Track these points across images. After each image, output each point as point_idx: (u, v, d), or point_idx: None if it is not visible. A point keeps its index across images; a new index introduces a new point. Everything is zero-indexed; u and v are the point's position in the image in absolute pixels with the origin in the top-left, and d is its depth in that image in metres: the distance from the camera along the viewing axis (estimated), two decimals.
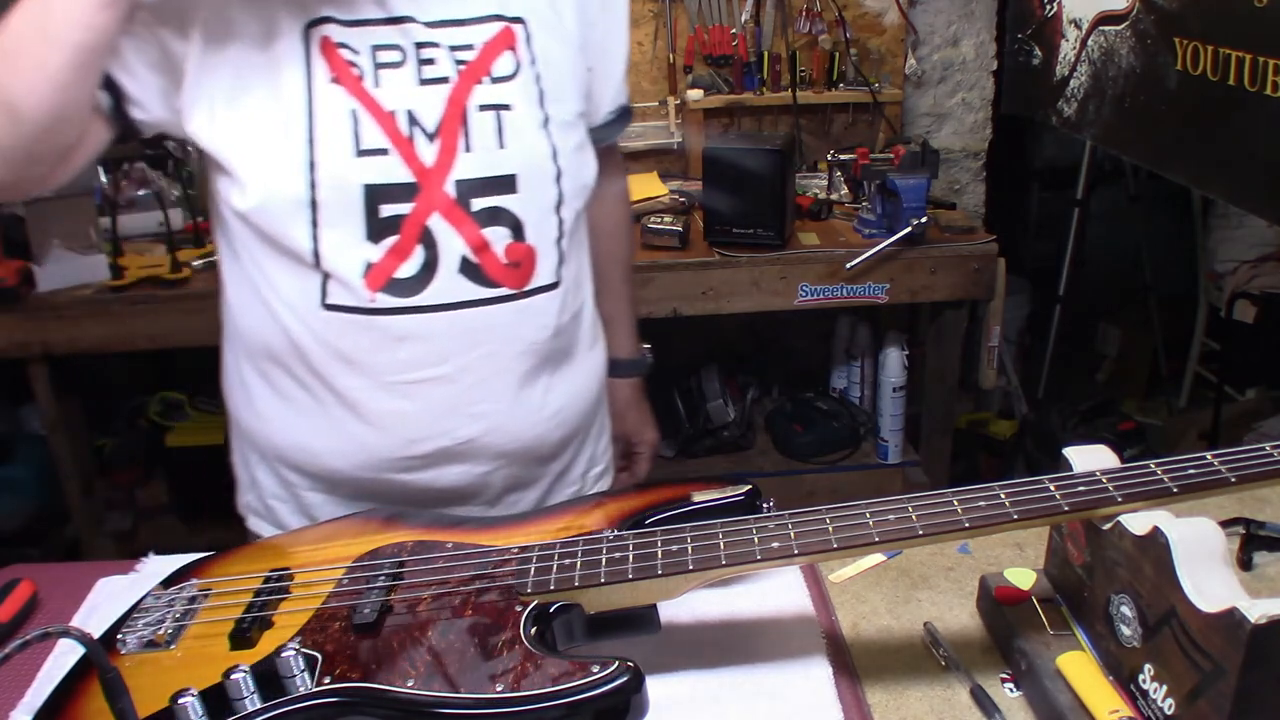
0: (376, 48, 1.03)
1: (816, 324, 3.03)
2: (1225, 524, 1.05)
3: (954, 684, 0.89)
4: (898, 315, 2.92)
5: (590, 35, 1.16)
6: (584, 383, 1.25)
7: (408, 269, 1.04)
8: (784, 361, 3.15)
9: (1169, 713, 0.77)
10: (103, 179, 2.50)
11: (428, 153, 1.04)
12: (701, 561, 0.82)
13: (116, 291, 2.25)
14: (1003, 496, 0.81)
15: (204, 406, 2.62)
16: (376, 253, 1.04)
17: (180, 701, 0.75)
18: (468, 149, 1.05)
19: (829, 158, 2.76)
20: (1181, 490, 0.79)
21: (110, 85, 1.01)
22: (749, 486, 0.93)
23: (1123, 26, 2.32)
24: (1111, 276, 3.70)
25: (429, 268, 1.05)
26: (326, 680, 0.78)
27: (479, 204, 1.06)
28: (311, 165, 1.01)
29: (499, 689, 0.75)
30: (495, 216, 1.07)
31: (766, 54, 2.85)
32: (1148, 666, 0.80)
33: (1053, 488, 0.81)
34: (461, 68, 1.05)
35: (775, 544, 0.82)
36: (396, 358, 1.07)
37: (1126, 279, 3.65)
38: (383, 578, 0.88)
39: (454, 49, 1.05)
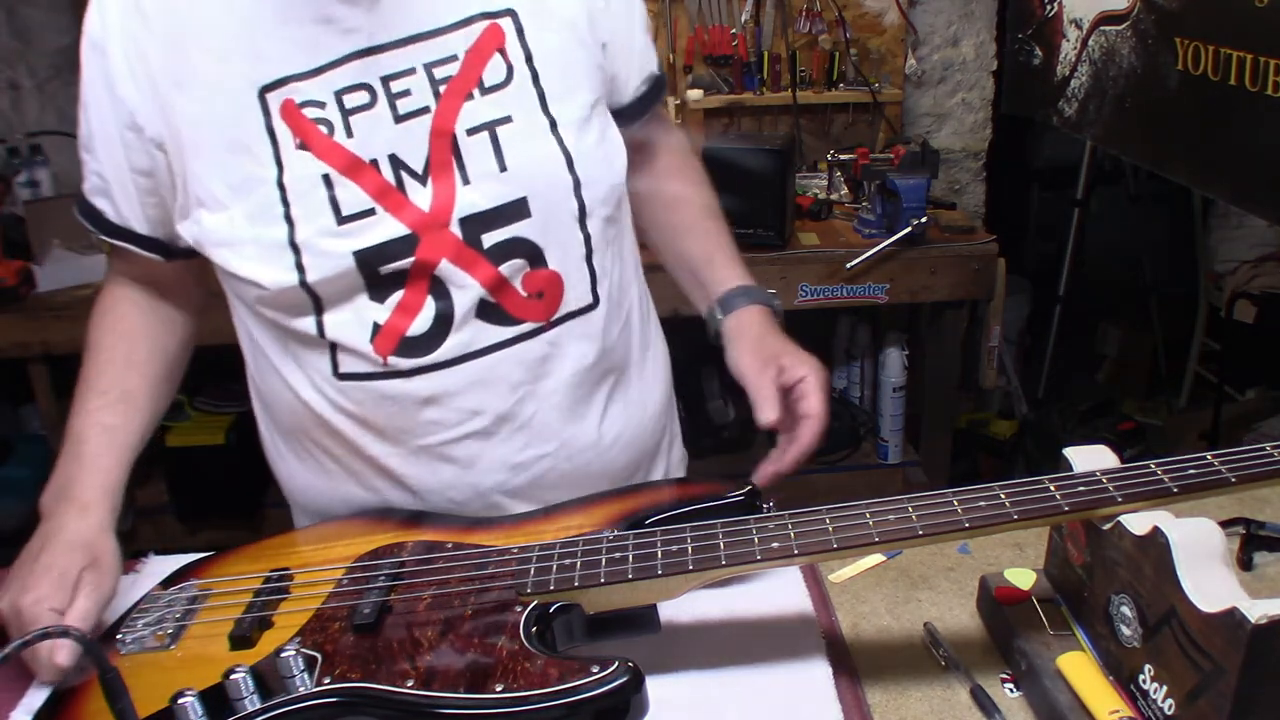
0: (340, 92, 0.93)
1: (816, 324, 3.03)
2: (1225, 524, 1.05)
3: (954, 684, 0.89)
4: (898, 315, 2.93)
5: (595, 4, 1.03)
6: (644, 395, 1.14)
7: (419, 325, 0.96)
8: None
9: (1169, 713, 0.77)
10: None
11: (422, 197, 0.94)
12: (701, 562, 0.82)
13: None
14: (1003, 497, 0.81)
15: (204, 406, 2.62)
16: (383, 313, 0.96)
17: (180, 702, 0.75)
18: (466, 181, 0.95)
19: (829, 158, 2.76)
20: (1181, 490, 0.79)
21: (147, 242, 1.03)
22: (749, 487, 0.93)
23: (1123, 26, 2.32)
24: (1111, 276, 3.69)
25: (443, 319, 0.96)
26: (326, 680, 0.78)
27: (491, 239, 0.96)
28: (295, 248, 0.93)
29: (499, 689, 0.75)
30: (511, 248, 0.97)
31: (766, 54, 2.85)
32: (1148, 666, 0.80)
33: (1053, 488, 0.81)
34: (443, 88, 0.95)
35: (775, 544, 0.82)
36: (423, 420, 1.00)
37: (1126, 279, 3.65)
38: (383, 578, 0.88)
39: (432, 66, 0.95)
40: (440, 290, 0.96)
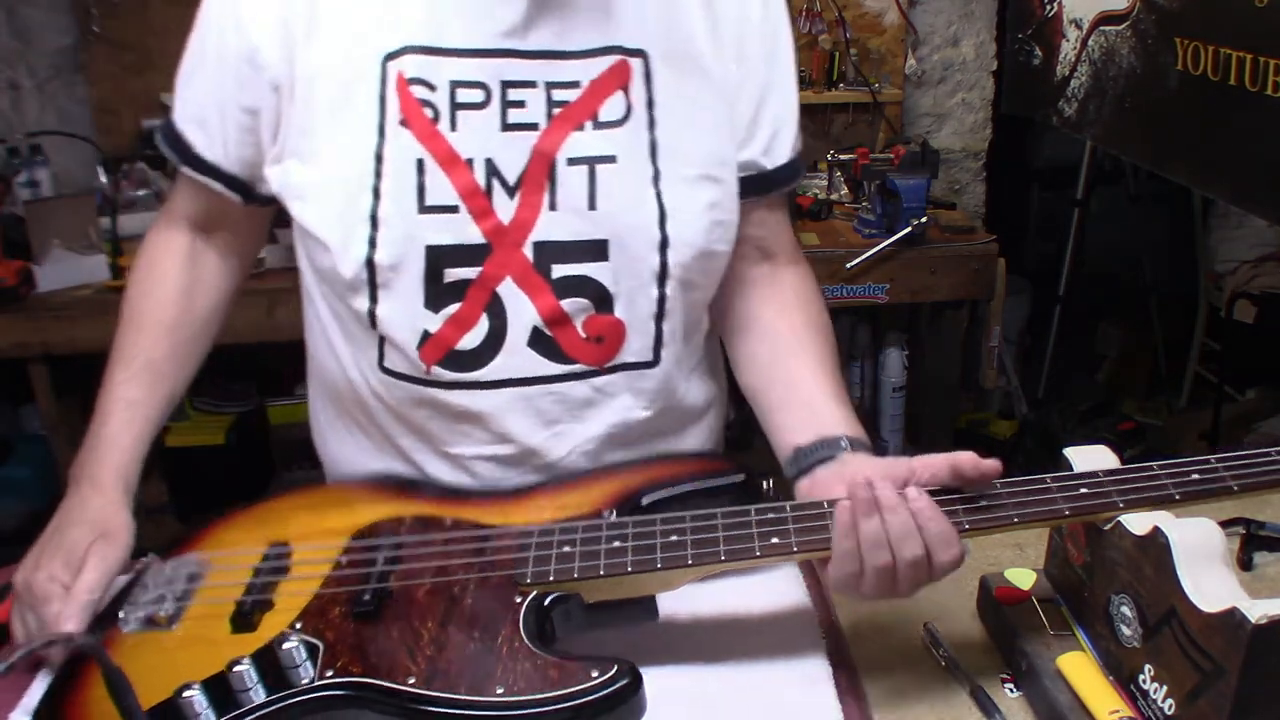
0: (457, 84, 0.91)
1: None
2: (1225, 524, 1.05)
3: (954, 684, 0.89)
4: (898, 315, 2.93)
5: (749, 77, 0.99)
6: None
7: (471, 340, 0.95)
8: None
9: (1169, 713, 0.77)
10: (103, 179, 2.50)
11: (505, 209, 0.92)
12: (700, 556, 0.82)
13: (116, 291, 2.22)
14: (1000, 488, 0.82)
15: (203, 407, 2.62)
16: (435, 322, 0.94)
17: (185, 696, 0.75)
18: (552, 207, 0.93)
19: (829, 158, 2.76)
20: (1184, 498, 0.80)
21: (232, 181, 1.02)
22: (742, 476, 0.92)
23: (1123, 26, 2.32)
24: (1111, 276, 3.69)
25: (495, 338, 0.95)
26: (329, 673, 0.78)
27: (560, 271, 0.94)
28: (374, 221, 0.91)
29: (499, 691, 0.75)
30: (578, 286, 0.94)
31: None
32: (1148, 666, 0.80)
33: (1054, 487, 0.82)
34: (557, 111, 0.92)
35: (775, 539, 0.82)
36: (455, 430, 1.00)
37: (1126, 279, 3.65)
38: (381, 560, 0.87)
39: (553, 86, 0.92)
40: (497, 309, 0.94)
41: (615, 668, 0.75)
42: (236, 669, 0.77)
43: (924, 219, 2.42)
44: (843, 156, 2.72)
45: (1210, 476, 0.81)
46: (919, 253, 2.45)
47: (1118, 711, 0.79)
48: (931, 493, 0.82)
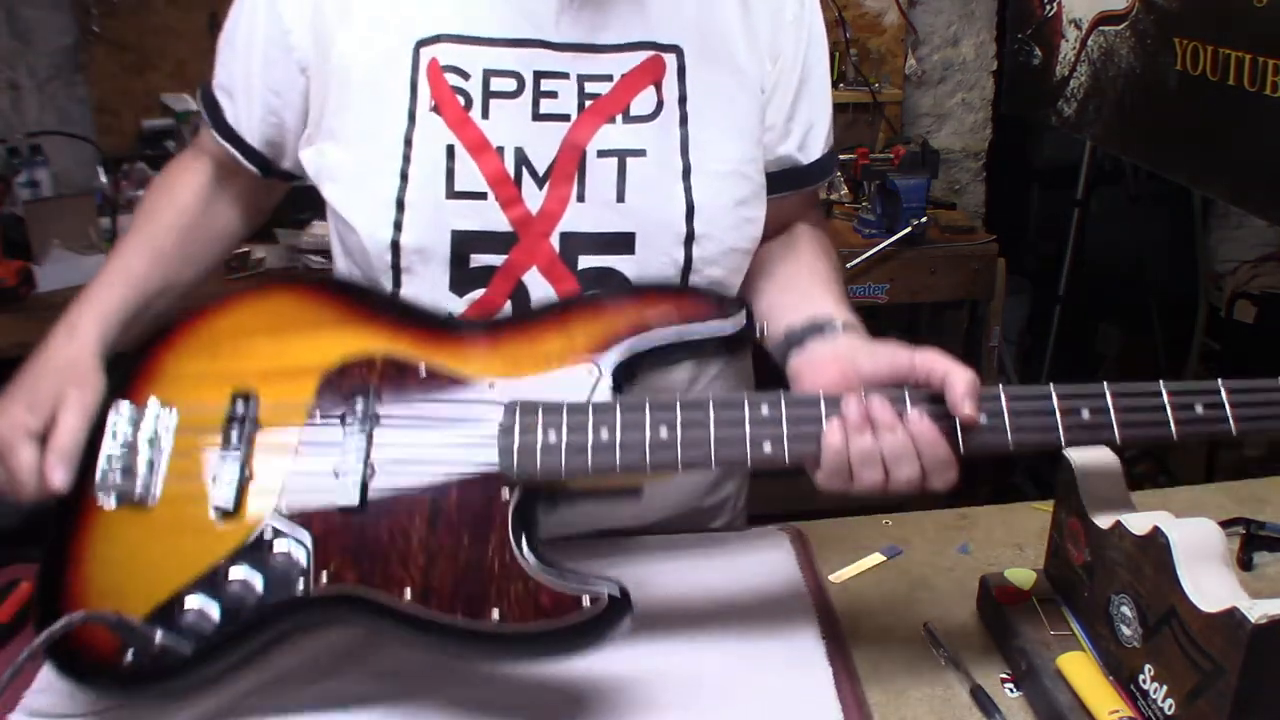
0: (490, 73, 0.93)
1: None
2: (1225, 524, 1.05)
3: (954, 684, 0.89)
4: (898, 315, 2.93)
5: (785, 73, 1.00)
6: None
7: None
8: None
9: (1169, 713, 0.77)
10: (103, 179, 2.50)
11: (534, 198, 0.93)
12: (690, 461, 0.80)
13: None
14: (1004, 406, 0.80)
15: None
16: (460, 306, 0.95)
17: (188, 605, 0.79)
18: (580, 198, 0.93)
19: None
20: (1184, 436, 0.79)
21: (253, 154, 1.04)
22: (730, 329, 0.89)
23: (1123, 26, 2.32)
24: (1111, 276, 3.69)
25: None
26: (323, 578, 0.80)
27: (586, 262, 0.94)
28: (400, 205, 0.92)
29: (495, 617, 0.78)
30: (603, 278, 0.95)
31: None
32: (1148, 666, 0.80)
33: (1058, 408, 0.80)
34: (589, 103, 0.93)
35: (767, 446, 0.80)
36: None
37: (1126, 279, 3.65)
38: (357, 427, 0.84)
39: (585, 79, 0.94)
40: (521, 298, 0.94)
41: (606, 597, 0.78)
42: (232, 574, 0.80)
43: (924, 219, 2.42)
44: (843, 156, 2.72)
45: (1214, 414, 0.79)
46: (919, 253, 2.45)
47: (1118, 711, 0.79)
48: (930, 400, 0.80)
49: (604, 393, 0.84)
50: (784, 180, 1.05)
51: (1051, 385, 0.80)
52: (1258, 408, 0.79)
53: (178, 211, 1.08)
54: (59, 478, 0.85)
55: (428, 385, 0.86)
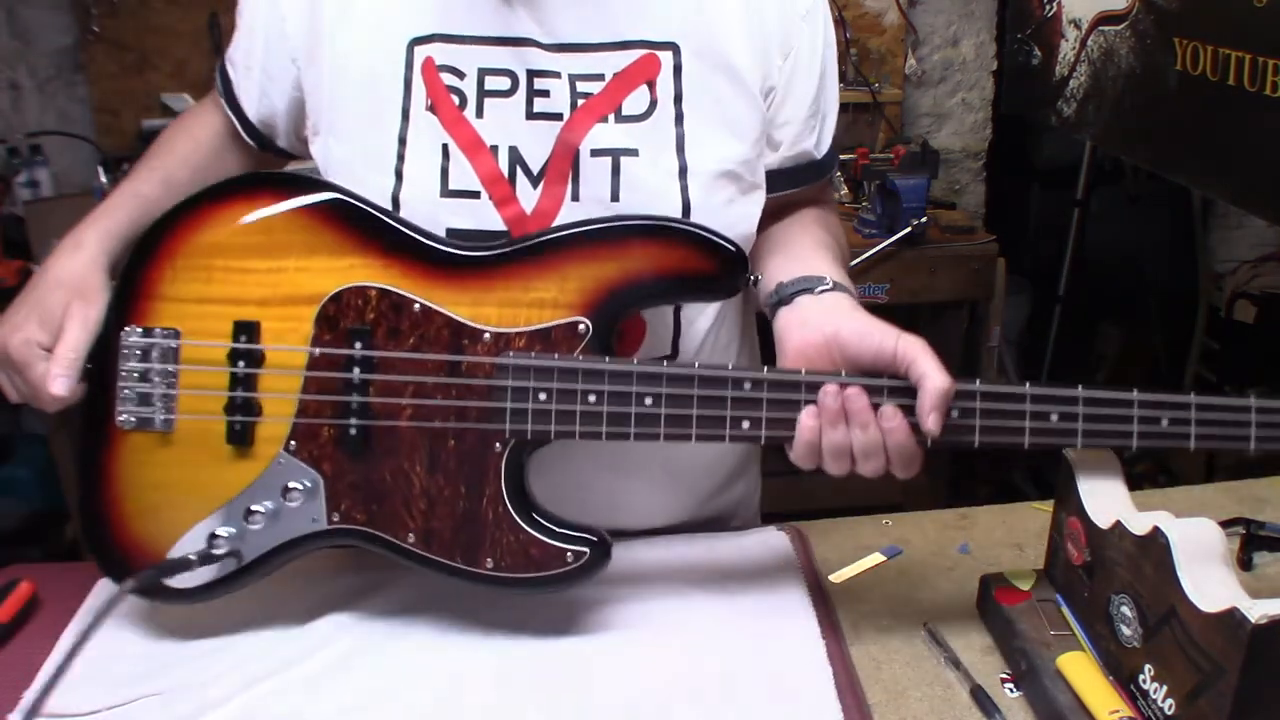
0: (485, 71, 0.93)
1: None
2: (1225, 524, 1.05)
3: (954, 684, 0.89)
4: (898, 315, 2.92)
5: (773, 58, 0.98)
6: (697, 461, 1.10)
7: None
8: None
9: (1169, 713, 0.77)
10: (103, 179, 2.50)
11: (529, 197, 0.93)
12: (672, 434, 0.86)
13: None
14: (977, 401, 0.84)
15: None
16: None
17: (217, 539, 0.88)
18: (575, 198, 0.94)
19: None
20: (1143, 441, 0.84)
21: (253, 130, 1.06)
22: (721, 291, 0.92)
23: (1122, 26, 2.32)
24: (1111, 276, 3.69)
25: None
26: (335, 517, 0.89)
27: None
28: (395, 202, 0.93)
29: (489, 564, 0.89)
30: None
31: None
32: (1148, 666, 0.80)
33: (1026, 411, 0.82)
34: (581, 102, 0.93)
35: (745, 424, 0.85)
36: None
37: (1126, 279, 3.64)
38: (356, 367, 0.88)
39: (577, 78, 0.94)
40: None
41: (588, 554, 0.88)
42: (252, 507, 0.88)
43: (924, 219, 2.42)
44: (843, 156, 2.72)
45: (1179, 430, 0.84)
46: (919, 253, 2.45)
47: (1118, 711, 0.79)
48: (902, 391, 0.83)
49: (594, 348, 0.87)
50: (801, 174, 1.06)
51: (1028, 386, 0.84)
52: (1222, 426, 0.84)
53: (194, 146, 1.09)
54: (60, 386, 0.88)
55: (422, 324, 0.88)
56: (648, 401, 0.85)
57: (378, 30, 0.95)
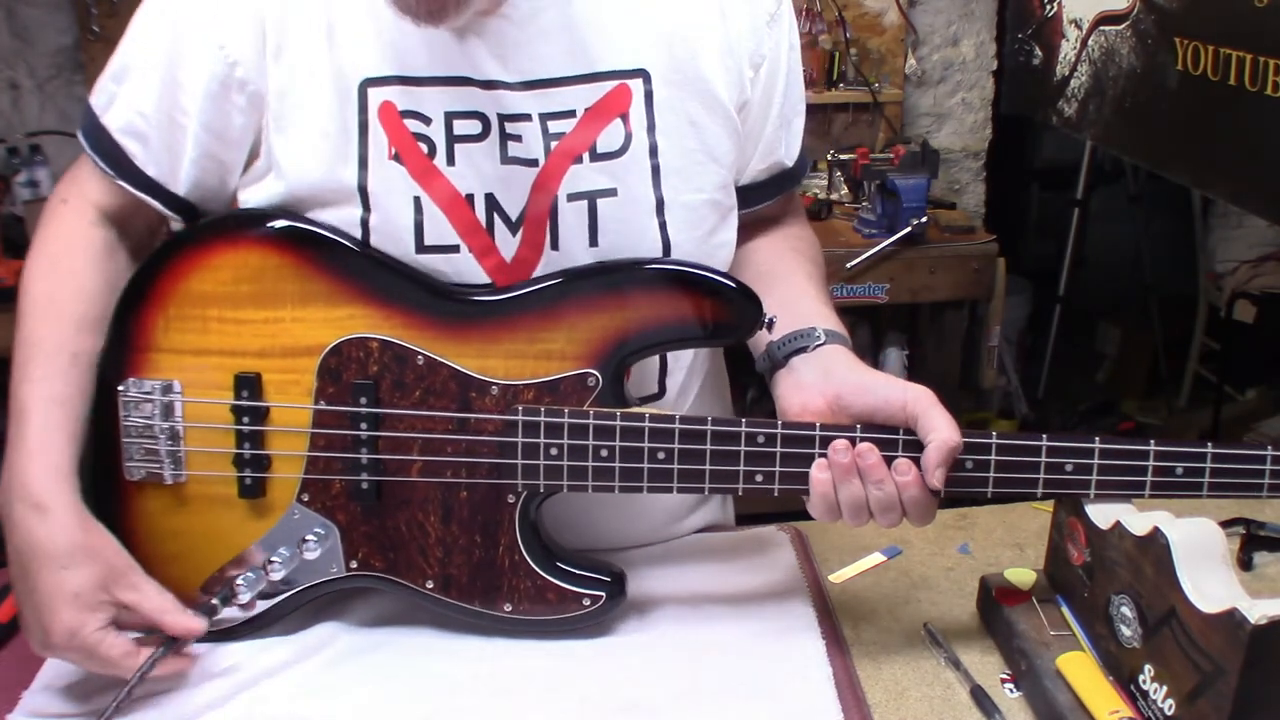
0: (452, 115, 0.86)
1: None
2: (1225, 524, 1.05)
3: (954, 684, 0.89)
4: (898, 315, 2.92)
5: (745, 72, 0.94)
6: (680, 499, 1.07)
7: None
8: None
9: (1169, 713, 0.77)
10: None
11: (508, 246, 0.89)
12: (684, 488, 0.85)
13: None
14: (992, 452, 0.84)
15: None
16: None
17: (237, 583, 0.86)
18: (554, 246, 0.89)
19: (829, 158, 2.76)
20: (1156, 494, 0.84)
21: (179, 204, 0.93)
22: (730, 341, 0.90)
23: (1123, 26, 2.32)
24: (1111, 276, 3.69)
25: None
26: (353, 564, 0.90)
27: None
28: None
29: (507, 609, 0.90)
30: None
31: None
32: (1148, 667, 0.80)
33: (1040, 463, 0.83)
34: (554, 144, 0.88)
35: (759, 478, 0.85)
36: None
37: (1126, 279, 3.65)
38: (364, 423, 0.86)
39: (548, 118, 0.88)
40: None
41: (604, 597, 0.89)
42: (270, 555, 0.87)
43: (924, 219, 2.42)
44: (843, 156, 2.72)
45: (1193, 480, 0.83)
46: (919, 253, 2.45)
47: (1118, 711, 0.79)
48: (917, 444, 0.83)
49: (604, 400, 0.86)
50: (773, 186, 1.04)
51: (1044, 438, 0.84)
52: (1236, 476, 0.83)
53: (86, 305, 0.89)
54: (196, 624, 0.84)
55: (428, 377, 0.87)
56: (660, 456, 0.84)
57: (321, 70, 0.86)
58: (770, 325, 0.89)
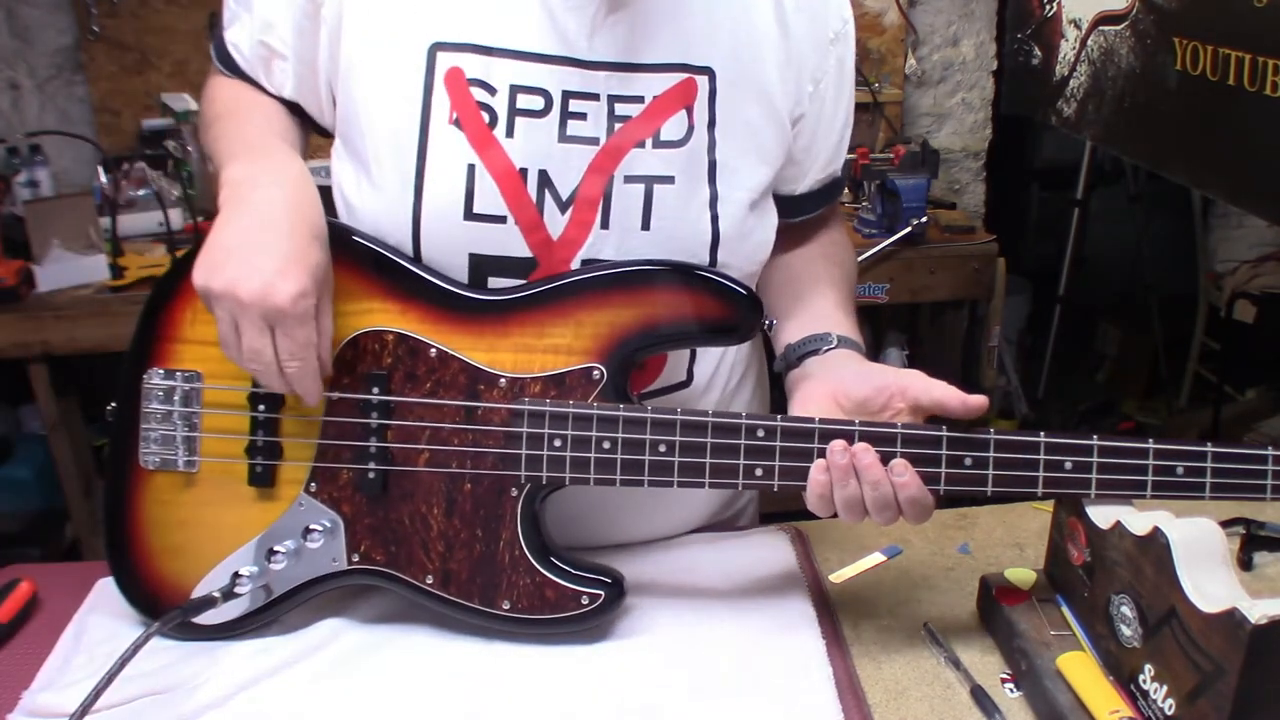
0: (518, 89, 0.88)
1: None
2: (1225, 524, 1.05)
3: (954, 684, 0.89)
4: (898, 315, 2.93)
5: (804, 85, 0.96)
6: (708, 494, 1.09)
7: None
8: None
9: (1169, 713, 0.77)
10: (103, 179, 2.50)
11: (556, 223, 0.90)
12: (685, 482, 0.87)
13: (116, 291, 2.24)
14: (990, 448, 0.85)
15: None
16: None
17: (241, 578, 0.88)
18: (604, 225, 0.90)
19: None
20: (1158, 493, 0.83)
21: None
22: (736, 340, 0.91)
23: (1122, 26, 2.32)
24: (1111, 276, 3.69)
25: None
26: (355, 558, 0.91)
27: None
28: (416, 221, 0.89)
29: (505, 606, 0.90)
30: None
31: None
32: (1148, 666, 0.80)
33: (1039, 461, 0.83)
34: (619, 126, 0.89)
35: (759, 471, 0.86)
36: None
37: (1126, 279, 3.65)
38: (374, 412, 0.89)
39: (616, 100, 0.90)
40: None
41: (603, 597, 0.90)
42: (274, 547, 0.89)
43: (924, 219, 2.42)
44: None
45: (1194, 480, 0.83)
46: (919, 253, 2.45)
47: (1118, 711, 0.79)
48: (916, 440, 0.84)
49: (608, 394, 0.88)
50: (825, 194, 1.07)
51: (1042, 435, 0.85)
52: (1238, 476, 0.83)
53: (273, 114, 0.97)
54: (312, 396, 0.84)
55: (439, 369, 0.89)
56: (661, 449, 0.86)
57: (393, 31, 0.89)
58: (770, 327, 0.91)
